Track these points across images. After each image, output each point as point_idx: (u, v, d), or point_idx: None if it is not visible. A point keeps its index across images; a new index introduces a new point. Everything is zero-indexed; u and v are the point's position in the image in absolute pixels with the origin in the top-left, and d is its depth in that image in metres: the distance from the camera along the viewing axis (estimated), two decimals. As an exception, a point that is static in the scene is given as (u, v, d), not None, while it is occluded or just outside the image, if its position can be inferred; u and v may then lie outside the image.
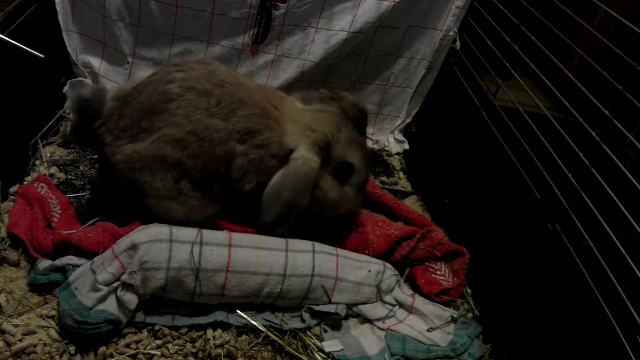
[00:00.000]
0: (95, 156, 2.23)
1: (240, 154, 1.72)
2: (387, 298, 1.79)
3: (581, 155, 1.55)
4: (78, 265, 1.62)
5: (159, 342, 1.55)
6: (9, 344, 1.44)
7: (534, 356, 1.65)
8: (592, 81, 1.75)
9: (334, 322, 1.73)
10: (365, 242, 1.91)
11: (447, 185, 2.38)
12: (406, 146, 2.78)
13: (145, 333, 1.57)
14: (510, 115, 1.99)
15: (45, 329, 1.51)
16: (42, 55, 2.00)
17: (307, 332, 1.68)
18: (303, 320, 1.69)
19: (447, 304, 1.87)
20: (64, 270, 1.63)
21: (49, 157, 2.18)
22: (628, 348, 1.29)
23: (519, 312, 1.76)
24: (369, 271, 1.77)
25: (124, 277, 1.53)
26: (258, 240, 1.71)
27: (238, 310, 1.66)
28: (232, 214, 1.86)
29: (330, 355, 1.61)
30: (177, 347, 1.55)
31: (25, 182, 2.01)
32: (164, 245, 1.58)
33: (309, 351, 1.62)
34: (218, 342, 1.57)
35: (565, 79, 1.73)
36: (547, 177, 1.68)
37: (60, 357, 1.45)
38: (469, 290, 1.96)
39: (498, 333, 1.77)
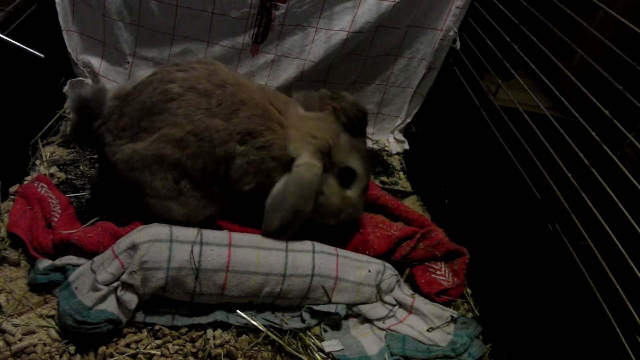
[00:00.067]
0: (95, 156, 2.23)
1: (240, 154, 1.72)
2: (387, 298, 1.79)
3: (581, 155, 1.55)
4: (78, 265, 1.62)
5: (159, 342, 1.55)
6: (9, 344, 1.44)
7: (534, 356, 1.65)
8: (592, 81, 1.75)
9: (334, 322, 1.73)
10: (365, 243, 1.91)
11: (447, 185, 2.38)
12: (406, 146, 2.78)
13: (145, 333, 1.57)
14: (510, 115, 1.99)
15: (45, 328, 1.51)
16: (42, 55, 2.00)
17: (307, 332, 1.68)
18: (303, 320, 1.69)
19: (447, 304, 1.87)
20: (64, 270, 1.63)
21: (49, 157, 2.18)
22: (628, 348, 1.29)
23: (519, 312, 1.76)
24: (369, 271, 1.77)
25: (124, 277, 1.53)
26: (258, 240, 1.71)
27: (238, 310, 1.66)
28: (232, 214, 1.86)
29: (330, 355, 1.61)
30: (177, 347, 1.55)
31: (25, 182, 2.01)
32: (164, 245, 1.58)
33: (309, 351, 1.62)
34: (218, 342, 1.57)
35: (565, 79, 1.73)
36: (547, 177, 1.68)
37: (60, 357, 1.45)
38: (469, 290, 1.96)
39: (498, 333, 1.77)
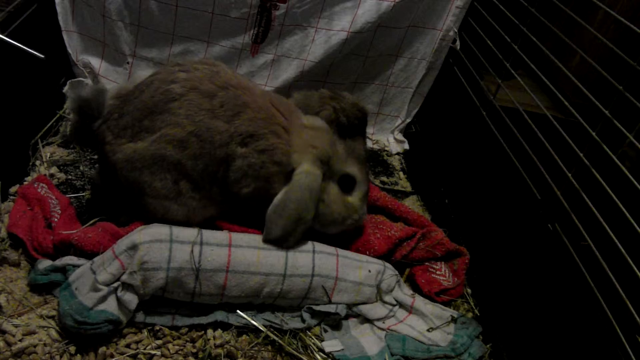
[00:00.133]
0: (95, 156, 2.23)
1: (240, 156, 1.72)
2: (387, 298, 1.79)
3: (581, 155, 1.55)
4: (78, 266, 1.62)
5: (159, 342, 1.55)
6: (9, 344, 1.44)
7: (534, 356, 1.65)
8: (592, 81, 1.75)
9: (334, 322, 1.73)
10: (366, 243, 1.91)
11: (447, 185, 2.38)
12: (406, 146, 2.79)
13: (146, 333, 1.57)
14: (510, 115, 1.99)
15: (45, 329, 1.51)
16: (42, 56, 2.00)
17: (307, 332, 1.68)
18: (303, 320, 1.69)
19: (447, 303, 1.87)
20: (64, 270, 1.63)
21: (49, 157, 2.18)
22: (628, 348, 1.29)
23: (519, 312, 1.76)
24: (369, 271, 1.77)
25: (124, 277, 1.53)
26: (258, 240, 1.71)
27: (238, 310, 1.66)
28: (232, 215, 1.86)
29: (330, 355, 1.62)
30: (177, 347, 1.55)
31: (25, 182, 2.01)
32: (164, 246, 1.58)
33: (309, 351, 1.62)
34: (218, 342, 1.57)
35: (565, 79, 1.73)
36: (547, 177, 1.68)
37: (61, 357, 1.45)
38: (469, 290, 1.97)
39: (498, 333, 1.77)
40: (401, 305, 1.81)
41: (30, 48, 1.97)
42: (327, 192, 1.80)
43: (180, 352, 1.55)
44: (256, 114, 1.72)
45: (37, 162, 2.15)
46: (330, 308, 1.70)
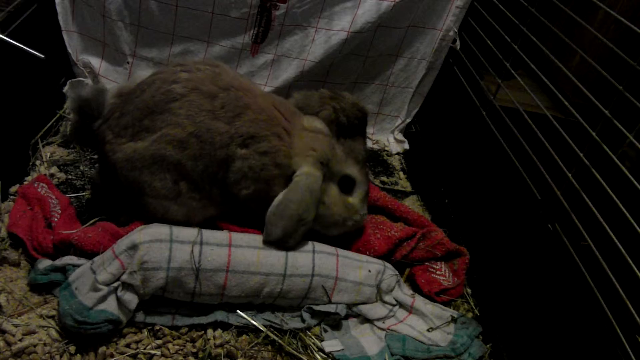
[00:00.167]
0: (95, 156, 2.23)
1: (240, 157, 1.72)
2: (387, 298, 1.79)
3: (581, 155, 1.55)
4: (78, 265, 1.62)
5: (159, 342, 1.55)
6: (9, 344, 1.44)
7: (534, 356, 1.65)
8: (592, 81, 1.75)
9: (334, 322, 1.73)
10: (366, 243, 1.91)
11: (447, 185, 2.38)
12: (406, 146, 2.79)
13: (146, 333, 1.57)
14: (510, 115, 1.99)
15: (45, 328, 1.51)
16: (42, 55, 2.00)
17: (307, 332, 1.68)
18: (303, 320, 1.69)
19: (447, 303, 1.87)
20: (64, 270, 1.63)
21: (49, 157, 2.18)
22: (628, 348, 1.29)
23: (519, 312, 1.76)
24: (369, 271, 1.77)
25: (124, 277, 1.53)
26: (258, 240, 1.71)
27: (238, 310, 1.66)
28: (232, 216, 1.86)
29: (330, 355, 1.62)
30: (177, 347, 1.55)
31: (26, 182, 2.01)
32: (164, 245, 1.58)
33: (309, 351, 1.62)
34: (218, 342, 1.57)
35: (565, 79, 1.73)
36: (547, 177, 1.68)
37: (61, 357, 1.45)
38: (469, 290, 1.97)
39: (498, 333, 1.77)
40: (401, 305, 1.81)
41: (30, 48, 1.97)
42: (327, 193, 1.80)
43: (180, 352, 1.55)
44: (257, 116, 1.72)
45: (37, 162, 2.15)
46: (330, 308, 1.70)
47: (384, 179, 2.55)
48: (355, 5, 2.37)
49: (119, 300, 1.53)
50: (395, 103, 2.76)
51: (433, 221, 2.14)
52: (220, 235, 1.68)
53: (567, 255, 1.55)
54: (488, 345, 1.75)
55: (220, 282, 1.61)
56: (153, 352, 1.52)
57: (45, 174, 2.06)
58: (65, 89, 2.47)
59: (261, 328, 1.63)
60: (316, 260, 1.72)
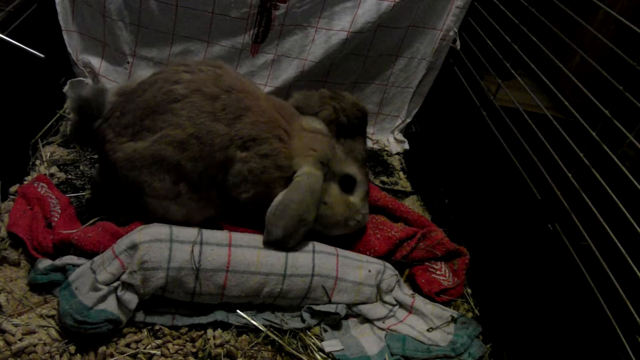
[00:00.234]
0: (95, 156, 2.23)
1: (240, 160, 1.72)
2: (387, 298, 1.79)
3: (581, 155, 1.55)
4: (78, 265, 1.62)
5: (159, 341, 1.55)
6: (9, 344, 1.44)
7: (534, 356, 1.65)
8: (592, 81, 1.75)
9: (334, 322, 1.73)
10: (366, 243, 1.91)
11: (447, 185, 2.38)
12: (406, 146, 2.79)
13: (145, 333, 1.57)
14: (510, 115, 1.99)
15: (45, 328, 1.51)
16: (42, 55, 2.00)
17: (307, 332, 1.68)
18: (303, 320, 1.69)
19: (447, 303, 1.87)
20: (64, 269, 1.63)
21: (49, 157, 2.18)
22: (628, 348, 1.29)
23: (519, 312, 1.76)
24: (369, 271, 1.77)
25: (124, 277, 1.53)
26: (258, 240, 1.71)
27: (238, 310, 1.66)
28: (232, 217, 1.86)
29: (330, 355, 1.62)
30: (177, 347, 1.55)
31: (25, 182, 2.01)
32: (164, 245, 1.58)
33: (309, 351, 1.62)
34: (218, 341, 1.57)
35: (565, 79, 1.73)
36: (547, 177, 1.68)
37: (60, 356, 1.45)
38: (469, 290, 1.97)
39: (498, 333, 1.77)
40: (401, 305, 1.81)
41: (30, 48, 1.97)
42: (328, 193, 1.80)
43: (180, 351, 1.55)
44: (258, 118, 1.72)
45: (37, 162, 2.15)
46: (330, 308, 1.70)
47: (384, 179, 2.55)
48: (355, 5, 2.37)
49: (119, 300, 1.53)
50: (395, 103, 2.76)
51: (433, 221, 2.14)
52: (220, 235, 1.68)
53: (567, 255, 1.55)
54: (488, 345, 1.75)
55: (220, 282, 1.61)
56: (153, 352, 1.52)
57: (45, 174, 2.06)
58: (65, 88, 2.47)
59: (261, 328, 1.63)
60: (316, 260, 1.72)
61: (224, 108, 1.69)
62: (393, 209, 2.11)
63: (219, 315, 1.63)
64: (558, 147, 1.68)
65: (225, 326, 1.63)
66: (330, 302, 1.73)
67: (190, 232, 1.64)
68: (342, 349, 1.63)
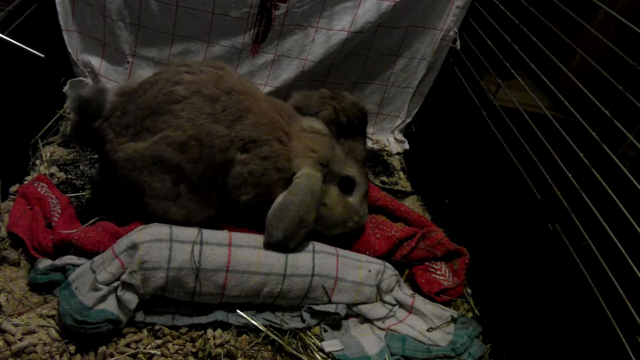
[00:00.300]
0: (95, 156, 2.23)
1: (240, 162, 1.71)
2: (387, 298, 1.79)
3: (581, 155, 1.55)
4: (78, 265, 1.62)
5: (159, 341, 1.55)
6: (9, 344, 1.44)
7: (534, 356, 1.65)
8: (592, 81, 1.75)
9: (334, 322, 1.73)
10: (366, 243, 1.91)
11: (447, 185, 2.38)
12: (406, 146, 2.79)
13: (145, 333, 1.57)
14: (510, 115, 1.99)
15: (45, 328, 1.51)
16: (42, 55, 2.00)
17: (307, 331, 1.68)
18: (303, 320, 1.69)
19: (447, 303, 1.87)
20: (64, 269, 1.63)
21: (49, 157, 2.18)
22: (628, 348, 1.29)
23: (519, 312, 1.76)
24: (369, 271, 1.77)
25: (124, 277, 1.53)
26: (258, 240, 1.71)
27: (238, 310, 1.66)
28: (233, 217, 1.86)
29: (330, 355, 1.62)
30: (177, 347, 1.55)
31: (25, 182, 2.01)
32: (164, 245, 1.58)
33: (309, 351, 1.62)
34: (218, 341, 1.57)
35: (565, 79, 1.73)
36: (547, 177, 1.68)
37: (60, 356, 1.45)
38: (469, 290, 1.97)
39: (498, 333, 1.77)
40: (401, 305, 1.81)
41: (30, 47, 1.97)
42: (327, 194, 1.80)
43: (180, 351, 1.55)
44: (259, 120, 1.72)
45: (37, 162, 2.15)
46: (330, 308, 1.70)
47: (384, 179, 2.55)
48: (355, 5, 2.37)
49: (118, 300, 1.53)
50: (395, 103, 2.76)
51: (433, 221, 2.14)
52: (220, 235, 1.68)
53: (567, 255, 1.55)
54: (488, 345, 1.75)
55: (220, 282, 1.61)
56: (153, 351, 1.52)
57: (45, 174, 2.06)
58: (66, 88, 2.47)
59: (261, 328, 1.63)
60: (316, 260, 1.72)
61: (224, 109, 1.69)
62: (393, 209, 2.11)
63: (219, 315, 1.63)
64: (558, 147, 1.68)
65: (225, 326, 1.63)
66: (330, 302, 1.73)
67: (190, 232, 1.64)
68: (342, 349, 1.63)
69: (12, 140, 2.08)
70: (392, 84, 2.69)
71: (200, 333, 1.60)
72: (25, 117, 2.18)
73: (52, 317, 1.56)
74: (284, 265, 1.67)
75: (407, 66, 2.64)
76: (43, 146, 2.22)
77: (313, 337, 1.67)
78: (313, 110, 1.87)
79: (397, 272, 1.85)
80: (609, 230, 1.39)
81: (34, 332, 1.49)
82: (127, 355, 1.50)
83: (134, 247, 1.55)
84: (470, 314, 1.88)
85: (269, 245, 1.69)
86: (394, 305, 1.80)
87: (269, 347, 1.61)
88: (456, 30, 2.48)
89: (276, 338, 1.61)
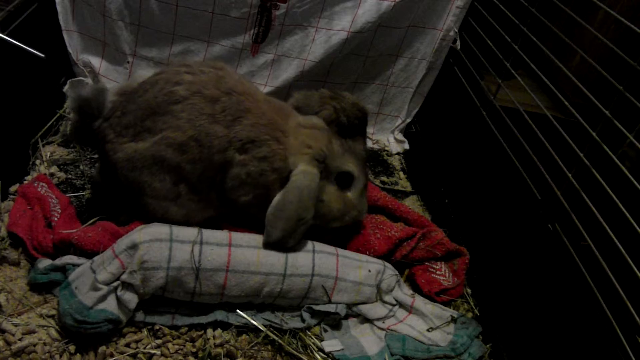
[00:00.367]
0: (95, 155, 2.23)
1: (238, 163, 1.71)
2: (387, 298, 1.79)
3: (581, 155, 1.55)
4: (78, 265, 1.62)
5: (158, 341, 1.55)
6: (9, 343, 1.44)
7: (534, 356, 1.65)
8: (592, 81, 1.75)
9: (334, 322, 1.73)
10: (366, 243, 1.91)
11: (447, 185, 2.38)
12: (406, 146, 2.79)
13: (145, 332, 1.57)
14: (510, 115, 1.99)
15: (45, 328, 1.51)
16: (42, 55, 2.00)
17: (307, 331, 1.68)
18: (303, 320, 1.69)
19: (447, 303, 1.87)
20: (64, 269, 1.63)
21: (49, 157, 2.19)
22: (628, 348, 1.29)
23: (519, 312, 1.76)
24: (369, 271, 1.77)
25: (124, 277, 1.53)
26: (258, 239, 1.71)
27: (238, 310, 1.66)
28: (233, 218, 1.86)
29: (330, 355, 1.62)
30: (177, 347, 1.55)
31: (25, 182, 2.01)
32: (164, 245, 1.58)
33: (308, 351, 1.62)
34: (218, 341, 1.57)
35: (565, 79, 1.73)
36: (547, 177, 1.68)
37: (60, 356, 1.45)
38: (469, 290, 1.96)
39: (498, 333, 1.77)
40: (401, 305, 1.81)
41: (30, 47, 1.97)
42: (325, 191, 1.79)
43: (180, 351, 1.55)
44: (258, 120, 1.71)
45: (37, 161, 2.15)
46: (330, 308, 1.70)
47: (384, 179, 2.55)
48: (355, 5, 2.37)
49: (118, 300, 1.53)
50: (395, 103, 2.76)
51: (433, 221, 2.14)
52: (220, 235, 1.68)
53: (567, 255, 1.55)
54: (488, 345, 1.75)
55: (220, 282, 1.61)
56: (153, 351, 1.52)
57: (45, 174, 2.06)
58: (66, 88, 2.47)
59: (261, 328, 1.63)
60: (316, 260, 1.72)
61: (223, 110, 1.69)
62: (393, 209, 2.11)
63: (219, 315, 1.63)
64: (558, 147, 1.68)
65: (225, 326, 1.63)
66: (330, 302, 1.73)
67: (190, 232, 1.64)
68: (342, 349, 1.63)
69: (12, 140, 2.08)
70: (392, 84, 2.69)
71: (200, 333, 1.60)
72: (25, 117, 2.18)
73: (52, 317, 1.56)
74: (284, 265, 1.67)
75: (407, 66, 2.64)
76: (43, 146, 2.22)
77: (313, 337, 1.67)
78: (313, 110, 1.87)
79: (397, 272, 1.84)
80: (609, 230, 1.39)
81: (34, 331, 1.49)
82: (127, 355, 1.50)
83: (134, 246, 1.55)
84: (470, 314, 1.88)
85: (268, 244, 1.69)
86: (394, 305, 1.80)
87: (269, 347, 1.61)
88: (456, 30, 2.48)
89: (276, 338, 1.61)
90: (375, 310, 1.77)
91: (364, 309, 1.76)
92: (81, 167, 2.19)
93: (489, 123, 2.12)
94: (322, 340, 1.66)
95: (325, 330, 1.69)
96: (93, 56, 2.54)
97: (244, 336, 1.61)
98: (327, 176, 1.79)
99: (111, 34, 2.45)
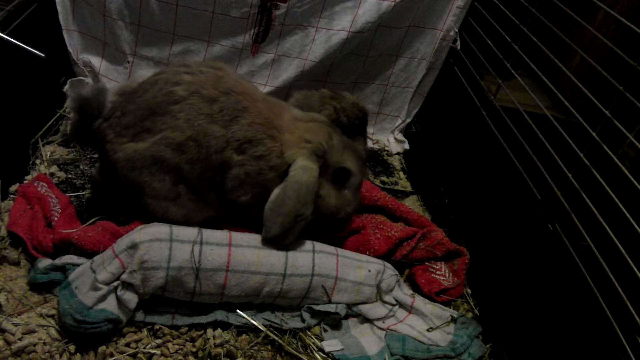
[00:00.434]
0: (95, 155, 2.23)
1: (237, 164, 1.71)
2: (387, 298, 1.79)
3: (581, 155, 1.55)
4: (78, 265, 1.62)
5: (158, 341, 1.55)
6: (9, 343, 1.44)
7: (534, 356, 1.65)
8: (592, 81, 1.75)
9: (334, 322, 1.73)
10: (366, 243, 1.91)
11: (447, 185, 2.38)
12: (406, 146, 2.79)
13: (145, 332, 1.57)
14: (510, 115, 1.99)
15: (45, 328, 1.51)
16: (42, 54, 2.00)
17: (307, 331, 1.68)
18: (303, 320, 1.69)
19: (447, 303, 1.87)
20: (64, 269, 1.63)
21: (49, 156, 2.19)
22: (628, 348, 1.29)
23: (519, 312, 1.76)
24: (369, 271, 1.77)
25: (124, 277, 1.53)
26: (258, 239, 1.71)
27: (238, 310, 1.66)
28: (231, 217, 1.86)
29: (330, 355, 1.62)
30: (177, 347, 1.55)
31: (26, 181, 2.01)
32: (164, 245, 1.58)
33: (308, 351, 1.62)
34: (218, 341, 1.57)
35: (565, 79, 1.73)
36: (547, 177, 1.68)
37: (60, 356, 1.45)
38: (469, 290, 1.97)
39: (498, 333, 1.77)
40: (401, 305, 1.81)
41: (30, 47, 1.97)
42: (323, 186, 1.79)
43: (180, 351, 1.55)
44: (255, 119, 1.71)
45: (37, 161, 2.15)
46: (330, 308, 1.70)
47: (384, 179, 2.55)
48: (355, 5, 2.37)
49: (118, 300, 1.53)
50: (395, 103, 2.76)
51: (433, 221, 2.14)
52: (220, 235, 1.68)
53: (567, 255, 1.55)
54: (488, 345, 1.75)
55: (220, 282, 1.61)
56: (153, 351, 1.52)
57: (45, 173, 2.06)
58: (66, 88, 2.47)
59: (261, 328, 1.63)
60: (316, 260, 1.72)
61: (221, 110, 1.69)
62: (393, 209, 2.11)
63: (219, 315, 1.63)
64: (558, 147, 1.68)
65: (225, 326, 1.63)
66: (330, 301, 1.73)
67: (190, 232, 1.64)
68: (342, 349, 1.63)
69: (12, 139, 2.08)
70: (392, 84, 2.69)
71: (200, 333, 1.60)
72: (25, 116, 2.18)
73: (52, 316, 1.56)
74: (284, 265, 1.67)
75: (407, 66, 2.64)
76: (43, 145, 2.22)
77: (313, 337, 1.67)
78: (313, 110, 1.87)
79: (397, 272, 1.84)
80: (609, 230, 1.39)
81: (33, 331, 1.49)
82: (127, 355, 1.50)
83: (134, 246, 1.55)
84: (470, 314, 1.88)
85: (266, 240, 1.69)
86: (394, 305, 1.80)
87: (269, 347, 1.61)
88: (456, 30, 2.48)
89: (276, 338, 1.61)
90: (375, 310, 1.77)
91: (364, 309, 1.76)
92: (81, 167, 2.19)
93: (489, 123, 2.12)
94: (322, 340, 1.66)
95: (325, 330, 1.70)
96: (93, 56, 2.54)
97: (244, 336, 1.61)
98: (325, 171, 1.79)
99: (111, 33, 2.45)
